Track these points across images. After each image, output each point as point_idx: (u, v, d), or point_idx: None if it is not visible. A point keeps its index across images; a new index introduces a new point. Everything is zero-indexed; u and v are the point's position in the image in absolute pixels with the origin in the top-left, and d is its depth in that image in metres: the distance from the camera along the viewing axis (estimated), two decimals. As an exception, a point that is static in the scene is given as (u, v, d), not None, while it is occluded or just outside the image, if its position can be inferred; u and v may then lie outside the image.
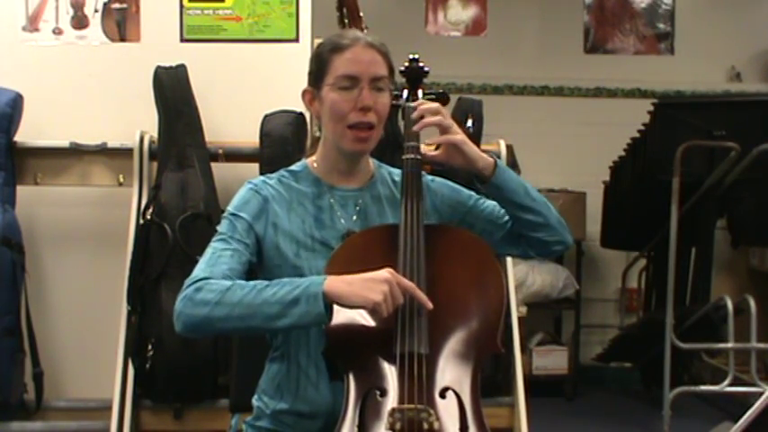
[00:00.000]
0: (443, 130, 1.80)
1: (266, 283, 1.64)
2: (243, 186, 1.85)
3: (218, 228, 1.80)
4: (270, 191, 1.83)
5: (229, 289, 1.63)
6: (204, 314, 1.63)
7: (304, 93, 1.87)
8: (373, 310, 1.58)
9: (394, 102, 1.88)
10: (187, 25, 3.33)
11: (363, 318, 1.65)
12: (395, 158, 1.89)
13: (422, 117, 1.81)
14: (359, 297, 1.57)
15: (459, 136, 1.80)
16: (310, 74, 1.85)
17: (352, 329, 1.62)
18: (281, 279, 1.65)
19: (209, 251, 1.75)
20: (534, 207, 1.83)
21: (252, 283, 1.65)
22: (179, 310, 1.66)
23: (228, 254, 1.73)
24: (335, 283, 1.59)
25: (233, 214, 1.80)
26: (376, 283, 1.57)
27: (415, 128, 1.81)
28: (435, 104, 1.82)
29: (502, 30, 5.60)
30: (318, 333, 1.71)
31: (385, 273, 1.59)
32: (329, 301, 1.58)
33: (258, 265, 1.81)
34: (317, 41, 1.94)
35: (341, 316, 1.64)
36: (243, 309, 1.61)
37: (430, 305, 1.61)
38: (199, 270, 1.70)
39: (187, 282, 1.69)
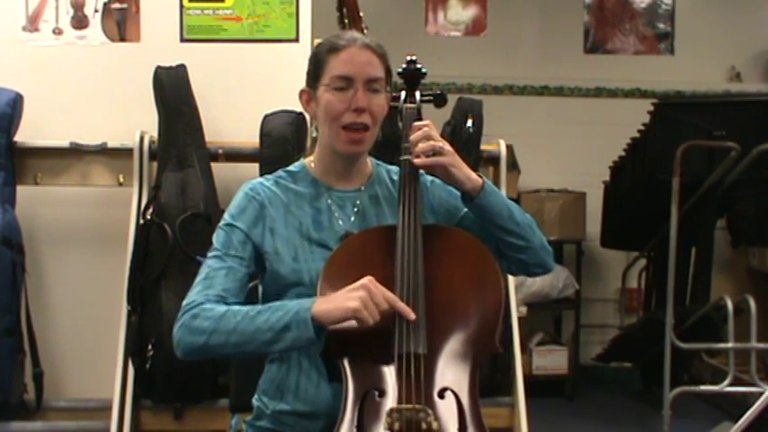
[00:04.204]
0: (435, 152, 1.78)
1: (258, 308, 1.66)
2: (239, 190, 1.85)
3: (214, 238, 1.80)
4: (267, 194, 1.83)
5: (223, 316, 1.66)
6: (202, 342, 1.66)
7: (301, 93, 1.88)
8: (356, 319, 1.58)
9: (392, 103, 1.88)
10: (187, 25, 3.33)
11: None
12: (394, 159, 1.89)
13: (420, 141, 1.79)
14: (339, 310, 1.58)
15: (448, 159, 1.77)
16: (308, 74, 1.85)
17: (351, 331, 1.62)
18: (273, 304, 1.67)
19: (204, 269, 1.76)
20: (517, 231, 1.81)
21: (245, 308, 1.67)
22: (178, 338, 1.69)
23: (223, 273, 1.74)
24: (321, 305, 1.61)
25: (229, 224, 1.80)
26: (352, 292, 1.59)
27: (416, 162, 1.78)
28: (425, 128, 1.78)
29: (502, 30, 5.61)
30: (318, 334, 1.72)
31: (363, 280, 1.60)
32: (319, 324, 1.60)
33: (259, 271, 1.81)
34: (317, 42, 1.94)
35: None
36: (238, 336, 1.64)
37: (412, 316, 1.61)
38: (194, 293, 1.73)
39: (183, 306, 1.71)
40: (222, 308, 1.68)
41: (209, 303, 1.69)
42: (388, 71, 1.83)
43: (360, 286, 1.59)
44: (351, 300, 1.57)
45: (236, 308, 1.68)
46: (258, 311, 1.65)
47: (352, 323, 1.60)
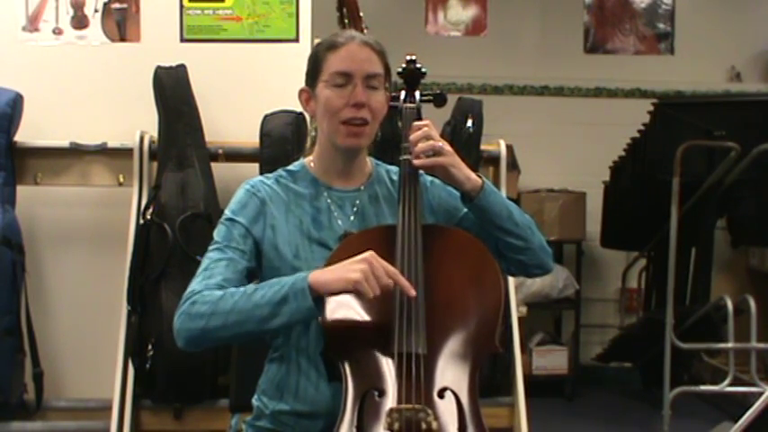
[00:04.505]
0: (435, 152, 1.79)
1: (255, 286, 1.66)
2: (240, 188, 1.86)
3: (215, 233, 1.81)
4: (267, 192, 1.83)
5: (221, 298, 1.66)
6: (201, 326, 1.66)
7: (301, 92, 1.88)
8: (357, 292, 1.57)
9: (391, 103, 1.88)
10: (187, 25, 3.33)
11: (361, 316, 1.66)
12: (394, 159, 1.89)
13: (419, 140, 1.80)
14: (340, 281, 1.58)
15: (448, 159, 1.78)
16: (307, 74, 1.86)
17: (350, 330, 1.63)
18: (270, 281, 1.67)
19: (204, 262, 1.77)
20: (516, 231, 1.81)
21: (242, 288, 1.67)
22: (178, 327, 1.69)
23: (223, 264, 1.74)
24: (319, 275, 1.61)
25: (230, 219, 1.80)
26: (355, 264, 1.58)
27: (416, 162, 1.79)
28: (424, 128, 1.79)
29: (502, 30, 5.61)
30: (318, 333, 1.72)
31: (365, 254, 1.60)
32: (316, 294, 1.59)
33: (257, 269, 1.82)
34: (317, 41, 1.94)
35: (338, 315, 1.65)
36: (236, 315, 1.63)
37: (413, 292, 1.61)
38: (194, 284, 1.73)
39: (184, 296, 1.71)
40: (219, 292, 1.68)
41: (208, 291, 1.69)
42: (386, 69, 1.83)
43: (362, 259, 1.58)
44: (352, 271, 1.57)
45: (234, 289, 1.68)
46: (255, 289, 1.65)
47: (353, 321, 1.60)
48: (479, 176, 1.81)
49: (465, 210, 1.87)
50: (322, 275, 1.60)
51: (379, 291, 1.57)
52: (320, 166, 1.87)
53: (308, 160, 1.90)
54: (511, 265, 1.87)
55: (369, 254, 1.60)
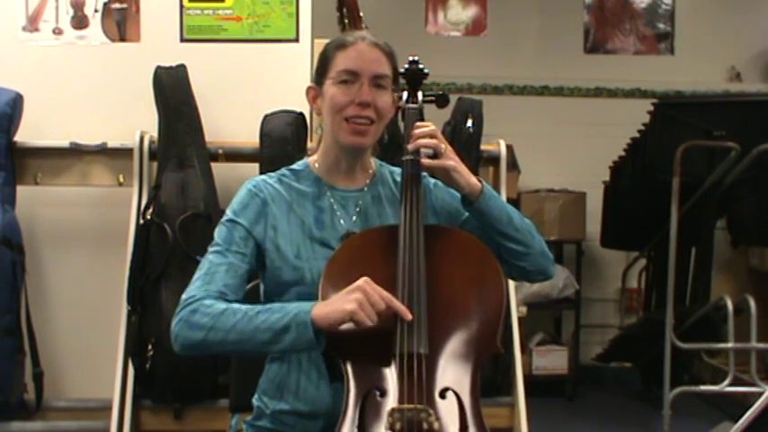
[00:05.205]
0: (437, 154, 1.79)
1: (258, 308, 1.66)
2: (243, 186, 1.85)
3: (216, 233, 1.80)
4: (270, 191, 1.83)
5: (223, 314, 1.66)
6: (200, 338, 1.66)
7: (308, 90, 1.88)
8: (354, 321, 1.57)
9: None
10: (187, 25, 3.33)
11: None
12: (396, 159, 1.89)
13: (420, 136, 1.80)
14: (336, 313, 1.58)
15: (451, 162, 1.78)
16: (315, 72, 1.87)
17: (352, 330, 1.62)
18: (272, 304, 1.67)
19: (204, 264, 1.76)
20: (516, 236, 1.81)
21: (244, 307, 1.67)
22: (176, 333, 1.69)
23: (224, 269, 1.74)
24: (319, 308, 1.61)
25: (231, 220, 1.80)
26: (348, 293, 1.59)
27: (424, 162, 1.79)
28: (431, 127, 1.80)
29: (502, 30, 5.61)
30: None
31: (359, 282, 1.60)
32: (318, 327, 1.60)
33: (259, 268, 1.81)
34: (318, 41, 1.95)
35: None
36: (237, 335, 1.64)
37: (409, 316, 1.61)
38: (194, 288, 1.72)
39: (182, 300, 1.71)
40: (222, 305, 1.68)
41: (209, 299, 1.69)
42: (395, 71, 1.84)
43: (355, 288, 1.59)
44: (347, 302, 1.57)
45: (236, 306, 1.68)
46: (258, 311, 1.65)
47: (352, 325, 1.60)
48: (480, 180, 1.81)
49: (467, 214, 1.87)
50: (322, 309, 1.60)
51: (376, 318, 1.57)
52: (324, 165, 1.87)
53: (313, 160, 1.90)
54: (513, 271, 1.86)
55: (362, 281, 1.60)
